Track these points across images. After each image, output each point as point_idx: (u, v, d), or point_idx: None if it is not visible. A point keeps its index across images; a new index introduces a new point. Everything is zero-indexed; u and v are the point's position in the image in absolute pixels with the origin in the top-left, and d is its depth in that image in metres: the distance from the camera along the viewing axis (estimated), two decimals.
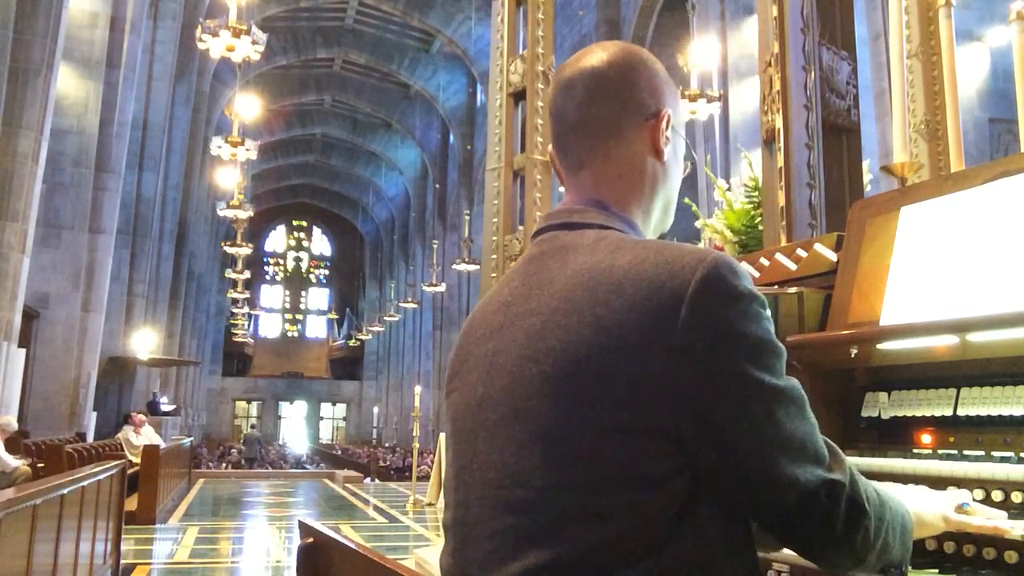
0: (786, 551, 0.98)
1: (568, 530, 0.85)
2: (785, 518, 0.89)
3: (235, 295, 30.87)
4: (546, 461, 0.88)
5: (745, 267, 1.83)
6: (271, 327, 49.96)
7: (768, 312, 0.93)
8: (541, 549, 0.86)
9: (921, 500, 1.13)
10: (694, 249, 0.93)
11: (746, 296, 0.90)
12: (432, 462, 12.46)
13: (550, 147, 1.12)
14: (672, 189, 1.13)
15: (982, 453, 1.46)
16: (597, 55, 1.09)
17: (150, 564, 6.91)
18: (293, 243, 51.03)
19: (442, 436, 11.91)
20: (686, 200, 2.42)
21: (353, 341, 47.08)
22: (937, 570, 1.24)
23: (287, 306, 50.55)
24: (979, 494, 1.38)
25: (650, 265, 0.90)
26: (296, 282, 50.76)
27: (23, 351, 11.42)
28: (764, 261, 2.23)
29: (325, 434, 47.40)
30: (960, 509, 1.16)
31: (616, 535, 0.85)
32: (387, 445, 34.97)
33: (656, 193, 1.10)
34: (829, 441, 0.94)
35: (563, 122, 1.09)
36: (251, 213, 19.70)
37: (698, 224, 3.50)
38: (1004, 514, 1.19)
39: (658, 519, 0.86)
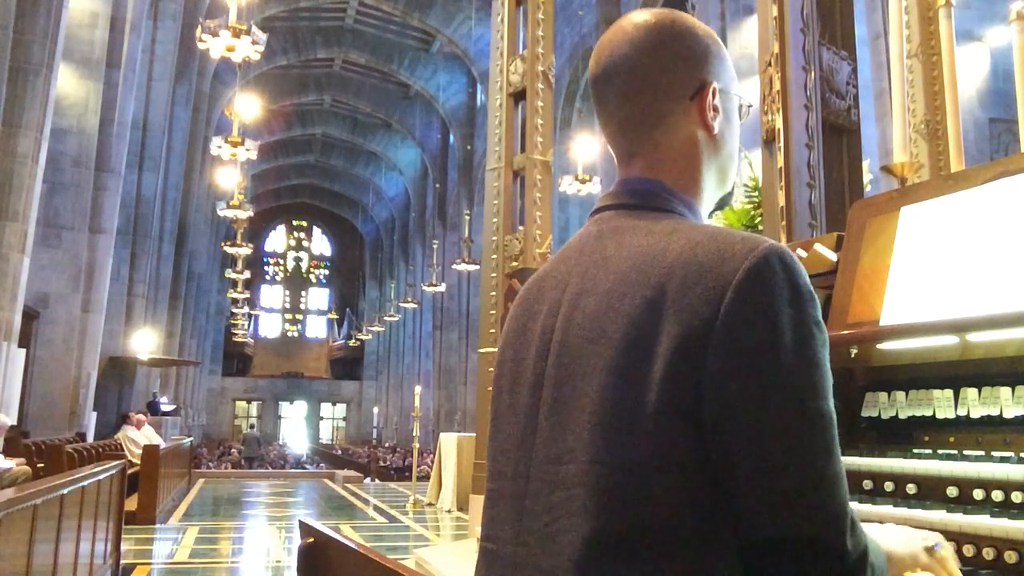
0: None
1: (609, 508, 0.86)
2: (760, 555, 0.85)
3: (235, 295, 30.86)
4: (592, 437, 0.89)
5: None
6: (271, 327, 49.94)
7: (820, 314, 0.88)
8: (587, 523, 0.87)
9: (894, 539, 1.07)
10: (749, 236, 0.91)
11: (794, 290, 0.87)
12: (432, 462, 12.45)
13: (599, 123, 1.12)
14: (726, 156, 1.12)
15: (982, 453, 1.45)
16: (629, 37, 1.06)
17: (150, 564, 6.90)
18: (293, 243, 51.01)
19: (442, 436, 11.96)
20: None
21: (353, 341, 47.07)
22: None
23: (287, 306, 50.53)
24: (979, 494, 1.37)
25: (702, 250, 0.90)
26: (296, 282, 50.75)
27: (23, 351, 11.42)
28: None
29: (325, 434, 47.37)
30: (930, 550, 1.09)
31: (650, 519, 0.84)
32: (387, 445, 34.94)
33: (711, 165, 1.09)
34: (853, 511, 0.88)
35: (607, 114, 1.09)
36: (251, 213, 19.67)
37: None
38: None
39: (688, 514, 0.85)
